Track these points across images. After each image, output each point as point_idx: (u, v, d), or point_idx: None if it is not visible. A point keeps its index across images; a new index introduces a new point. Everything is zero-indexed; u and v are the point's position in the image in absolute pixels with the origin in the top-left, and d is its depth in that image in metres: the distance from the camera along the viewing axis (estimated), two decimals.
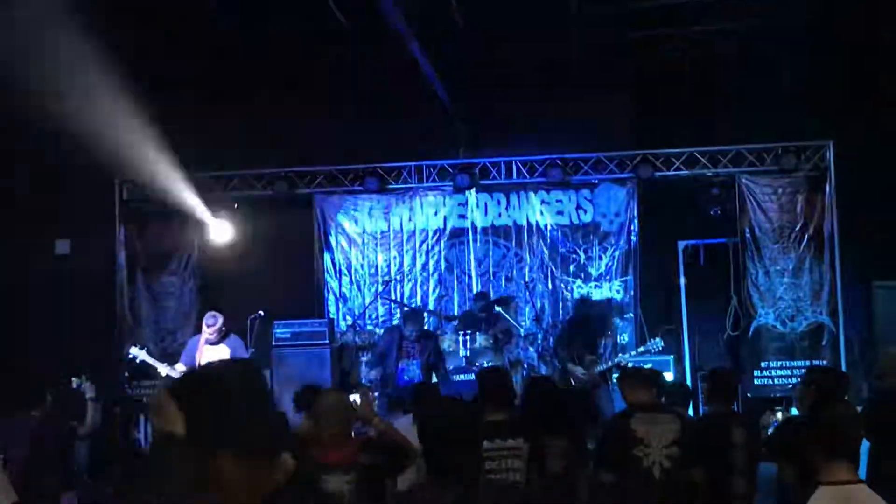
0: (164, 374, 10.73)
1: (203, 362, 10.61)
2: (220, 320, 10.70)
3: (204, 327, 10.70)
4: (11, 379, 8.44)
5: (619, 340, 11.98)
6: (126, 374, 12.52)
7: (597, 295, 13.04)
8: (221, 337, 10.69)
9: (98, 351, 12.45)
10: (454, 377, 11.37)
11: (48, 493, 7.38)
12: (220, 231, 13.12)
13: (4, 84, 12.16)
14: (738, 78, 12.18)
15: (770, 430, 8.54)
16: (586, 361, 10.60)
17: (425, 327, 11.80)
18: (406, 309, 12.46)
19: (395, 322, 12.71)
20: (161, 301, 13.26)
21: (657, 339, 11.21)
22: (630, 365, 10.96)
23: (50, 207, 12.96)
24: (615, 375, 10.35)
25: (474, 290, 13.28)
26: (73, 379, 8.71)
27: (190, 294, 13.26)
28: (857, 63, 11.81)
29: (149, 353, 11.21)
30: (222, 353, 10.64)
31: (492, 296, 12.84)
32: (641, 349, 11.37)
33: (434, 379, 10.85)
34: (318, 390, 6.80)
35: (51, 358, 11.67)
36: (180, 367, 10.70)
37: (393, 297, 13.33)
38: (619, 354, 10.96)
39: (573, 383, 10.33)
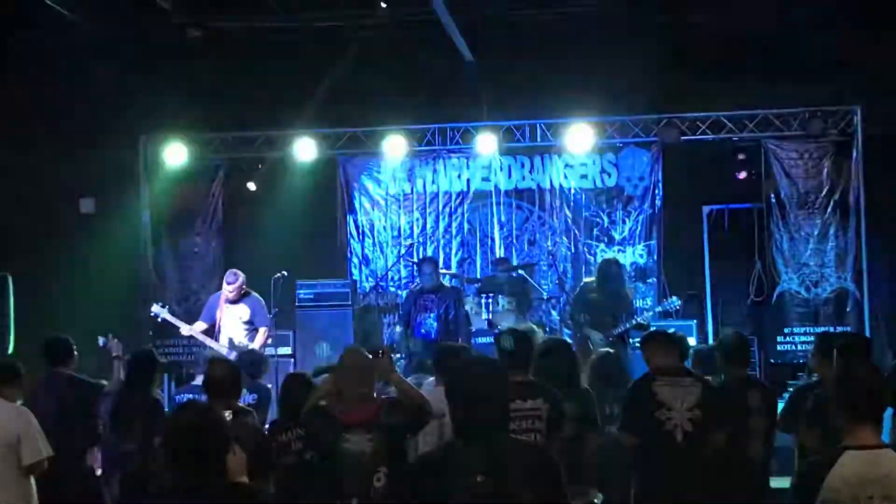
0: (185, 332, 10.76)
1: (224, 320, 10.64)
2: (241, 279, 10.68)
3: (224, 285, 10.71)
4: (38, 337, 8.49)
5: (636, 302, 11.91)
6: (150, 332, 12.60)
7: (619, 259, 12.96)
8: (241, 296, 10.69)
9: (123, 309, 12.54)
10: (475, 340, 11.39)
11: (73, 449, 7.45)
12: (245, 191, 13.18)
13: (27, 43, 12.23)
14: (766, 41, 12.04)
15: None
16: (604, 324, 10.58)
17: (444, 282, 11.80)
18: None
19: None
20: (185, 261, 13.31)
21: (674, 298, 11.19)
22: (651, 326, 10.97)
23: (74, 165, 12.99)
24: (635, 339, 10.35)
25: (497, 254, 13.28)
26: (100, 337, 8.77)
27: (214, 254, 13.31)
28: (888, 29, 11.65)
29: (173, 312, 11.24)
30: (242, 312, 10.65)
31: (514, 261, 12.85)
32: (658, 308, 11.34)
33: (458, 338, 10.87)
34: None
35: (76, 316, 11.75)
36: (200, 326, 10.72)
37: (415, 260, 13.33)
38: (637, 316, 10.92)
39: (591, 347, 10.30)
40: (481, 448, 3.68)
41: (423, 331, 11.00)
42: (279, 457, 6.27)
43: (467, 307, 11.80)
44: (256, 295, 10.82)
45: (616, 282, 10.85)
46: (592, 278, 11.21)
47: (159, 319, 10.95)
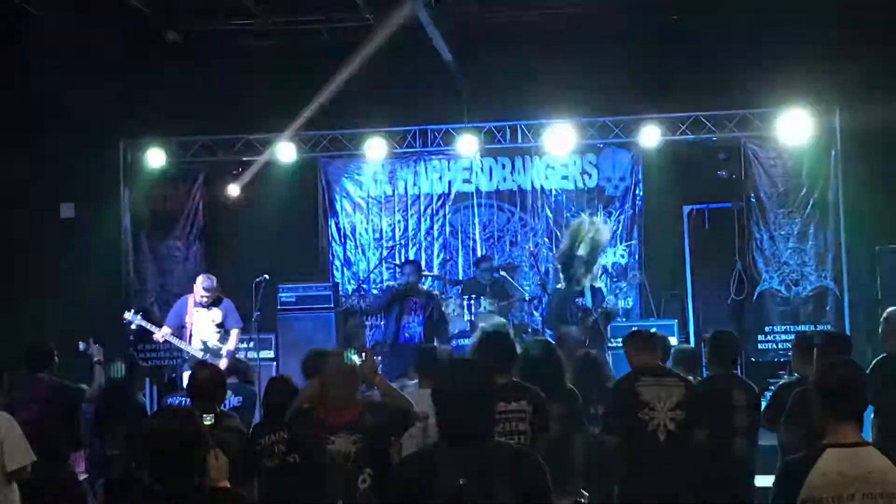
0: (158, 338, 10.71)
1: (196, 324, 10.62)
2: (215, 283, 10.72)
3: (200, 290, 10.67)
4: (19, 342, 8.45)
5: (597, 286, 12.09)
6: (131, 337, 12.55)
7: (602, 259, 13.06)
8: (214, 301, 10.69)
9: (104, 314, 12.48)
10: (458, 341, 11.42)
11: (56, 454, 7.42)
12: (225, 194, 13.14)
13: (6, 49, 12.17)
14: (745, 41, 12.09)
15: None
16: (577, 317, 10.72)
17: (424, 284, 11.87)
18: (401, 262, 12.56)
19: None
20: (166, 264, 13.27)
21: (636, 273, 11.40)
22: (618, 315, 11.25)
23: (55, 171, 12.94)
24: (620, 339, 10.42)
25: (479, 255, 13.29)
26: (81, 342, 8.73)
27: (195, 257, 13.28)
28: (867, 29, 11.72)
29: (154, 316, 11.21)
30: (215, 315, 10.65)
31: (496, 261, 12.87)
32: (623, 284, 11.54)
33: (435, 340, 10.90)
34: (324, 353, 6.80)
35: (57, 321, 11.70)
36: (166, 330, 10.68)
37: (397, 262, 13.33)
38: (604, 303, 11.11)
39: (569, 345, 10.38)
40: (466, 451, 3.68)
41: (407, 335, 11.01)
42: (263, 460, 6.26)
43: (450, 308, 11.84)
44: (227, 299, 10.83)
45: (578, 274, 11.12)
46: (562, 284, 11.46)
47: (133, 326, 10.88)
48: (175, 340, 10.67)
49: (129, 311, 11.02)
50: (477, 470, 3.65)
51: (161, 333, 10.66)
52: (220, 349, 10.50)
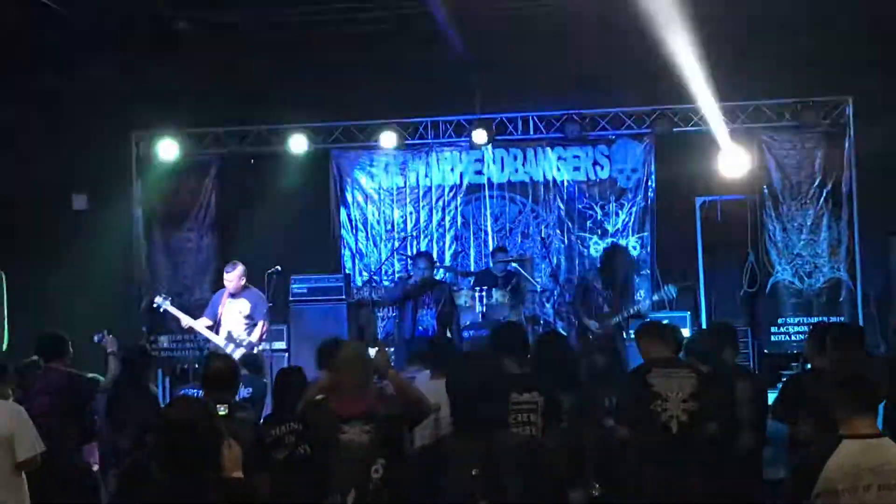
0: (185, 325, 10.76)
1: (224, 315, 10.64)
2: (239, 268, 10.70)
3: (224, 275, 10.73)
4: (33, 333, 8.47)
5: (635, 292, 11.95)
6: (144, 329, 12.59)
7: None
8: (241, 289, 10.70)
9: (116, 305, 12.53)
10: (470, 332, 11.40)
11: (69, 445, 7.44)
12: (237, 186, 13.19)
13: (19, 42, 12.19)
14: (758, 32, 12.04)
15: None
16: (602, 314, 10.60)
17: (436, 275, 11.81)
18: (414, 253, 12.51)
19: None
20: (178, 256, 13.29)
21: (670, 287, 11.19)
22: (648, 316, 11.02)
23: (67, 162, 12.97)
24: (631, 329, 10.36)
25: (490, 247, 13.26)
26: (95, 334, 8.76)
27: (207, 249, 13.30)
28: (878, 17, 11.67)
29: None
30: (242, 306, 10.66)
31: (510, 252, 12.84)
32: (655, 297, 11.35)
33: (448, 332, 10.88)
34: (339, 342, 6.81)
35: (70, 313, 11.74)
36: (204, 322, 10.71)
37: (409, 253, 13.31)
38: (633, 305, 10.95)
39: (590, 337, 10.34)
40: (478, 442, 3.68)
41: (421, 328, 10.98)
42: (274, 451, 6.27)
43: (462, 300, 11.80)
44: (256, 289, 10.83)
45: (621, 270, 10.88)
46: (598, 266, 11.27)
47: (161, 310, 10.94)
48: (199, 329, 10.70)
49: (160, 295, 11.17)
50: (489, 460, 3.65)
51: (187, 321, 10.71)
52: (244, 340, 10.51)
